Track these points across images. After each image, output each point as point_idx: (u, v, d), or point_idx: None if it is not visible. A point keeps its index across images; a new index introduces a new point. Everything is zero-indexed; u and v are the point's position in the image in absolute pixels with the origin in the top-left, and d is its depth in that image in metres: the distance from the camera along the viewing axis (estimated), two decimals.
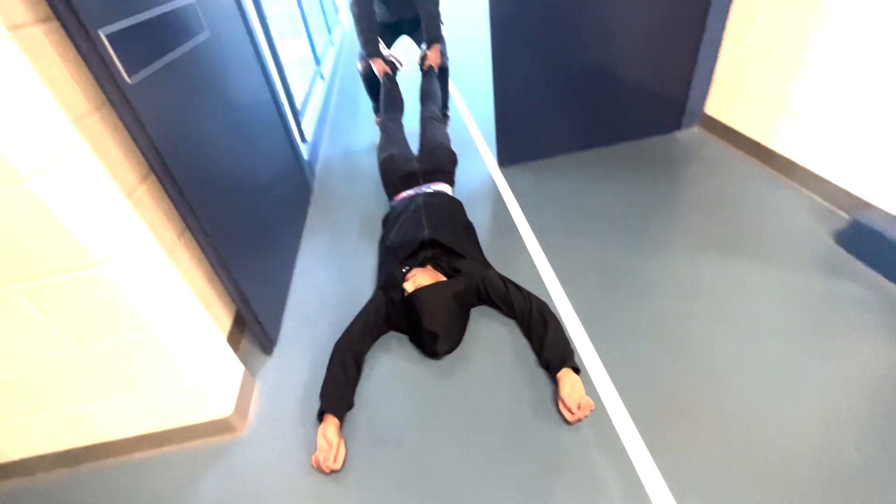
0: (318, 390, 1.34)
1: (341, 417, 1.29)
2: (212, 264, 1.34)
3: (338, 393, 1.32)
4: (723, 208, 1.94)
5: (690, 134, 2.53)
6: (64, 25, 0.93)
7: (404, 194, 1.90)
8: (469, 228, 1.80)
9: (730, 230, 1.82)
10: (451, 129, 2.98)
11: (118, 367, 1.13)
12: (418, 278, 1.48)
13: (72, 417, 1.23)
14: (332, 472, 1.19)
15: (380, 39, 2.46)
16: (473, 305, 1.60)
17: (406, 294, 1.45)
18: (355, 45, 2.61)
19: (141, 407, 1.24)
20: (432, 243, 1.62)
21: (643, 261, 1.74)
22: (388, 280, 1.57)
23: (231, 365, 1.39)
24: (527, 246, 1.91)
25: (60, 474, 1.34)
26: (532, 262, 1.82)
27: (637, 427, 1.21)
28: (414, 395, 1.40)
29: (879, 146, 1.63)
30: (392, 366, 1.50)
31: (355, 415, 1.35)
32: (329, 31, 5.32)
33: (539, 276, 1.74)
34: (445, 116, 2.81)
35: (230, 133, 1.58)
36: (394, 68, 2.54)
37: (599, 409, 1.27)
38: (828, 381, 1.25)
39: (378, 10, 2.40)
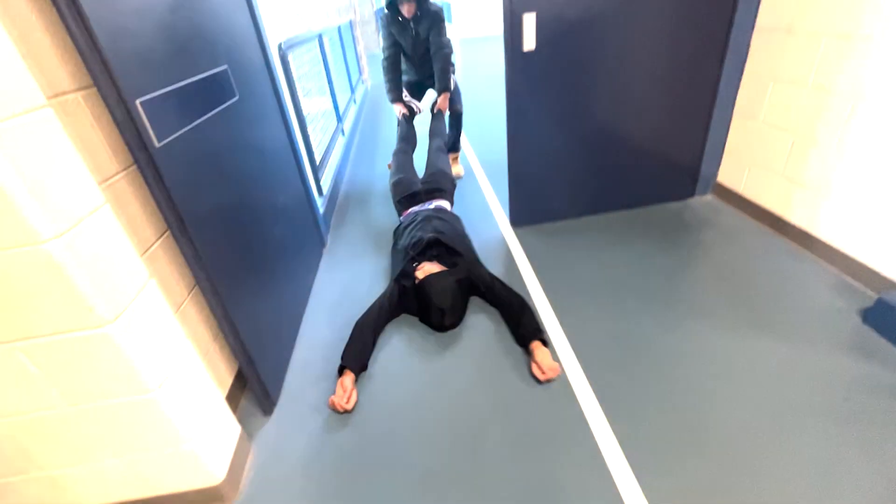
0: (315, 461, 1.33)
1: (357, 374, 1.60)
2: (219, 323, 1.32)
3: (355, 355, 1.62)
4: (742, 279, 1.90)
5: (704, 202, 2.54)
6: (102, 94, 0.98)
7: (411, 210, 2.28)
8: (465, 235, 2.15)
9: (750, 302, 1.76)
10: (465, 188, 3.06)
11: (111, 428, 1.09)
12: (426, 268, 1.84)
13: (57, 480, 1.17)
14: (345, 411, 1.49)
15: (404, 89, 2.99)
16: (471, 293, 1.91)
17: (417, 281, 1.80)
18: (384, 95, 3.03)
19: (129, 471, 1.18)
20: (436, 242, 1.93)
21: (660, 330, 1.68)
22: (401, 273, 1.88)
23: (227, 428, 1.33)
24: (534, 300, 1.86)
25: None
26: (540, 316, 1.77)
27: None
28: (421, 357, 1.73)
29: None
30: (406, 337, 1.82)
31: (375, 372, 1.67)
32: (352, 91, 5.61)
33: (551, 341, 1.69)
34: (456, 150, 3.25)
35: (249, 191, 1.62)
36: (412, 112, 3.01)
37: (611, 488, 1.18)
38: (865, 476, 1.15)
39: (405, 66, 2.96)
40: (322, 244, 2.53)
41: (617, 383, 1.50)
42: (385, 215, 2.82)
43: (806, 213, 1.98)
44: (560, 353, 1.64)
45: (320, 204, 2.67)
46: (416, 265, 1.86)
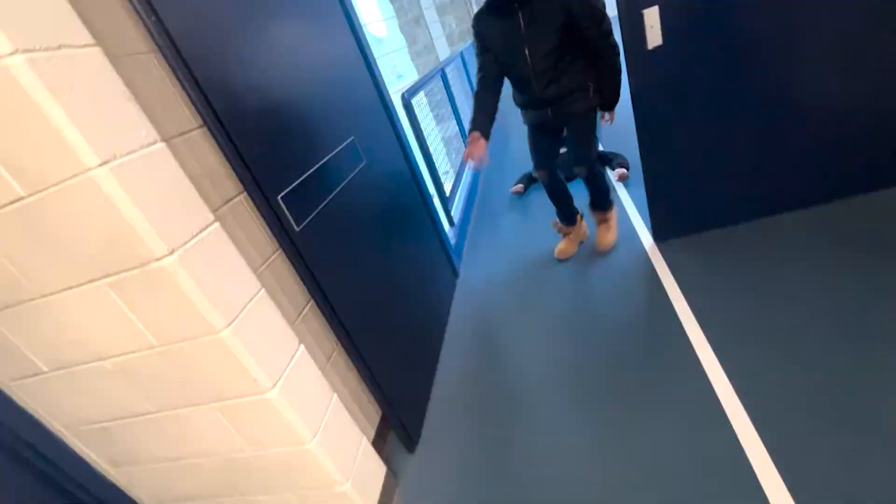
0: (460, 494, 1.43)
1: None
2: (361, 376, 1.48)
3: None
4: None
5: None
6: (252, 197, 1.19)
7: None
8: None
9: None
10: None
11: (277, 474, 1.31)
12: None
13: None
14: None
15: None
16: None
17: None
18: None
19: None
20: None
21: (875, 383, 1.27)
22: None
23: (374, 469, 1.47)
24: (693, 346, 1.59)
25: None
26: (701, 369, 1.50)
27: None
28: None
29: None
30: None
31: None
32: None
33: (711, 386, 1.42)
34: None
35: (382, 245, 1.76)
36: None
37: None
38: None
39: None
40: (455, 275, 2.61)
41: (807, 452, 1.18)
42: (514, 232, 2.80)
43: None
44: (723, 401, 1.37)
45: (451, 235, 2.78)
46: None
